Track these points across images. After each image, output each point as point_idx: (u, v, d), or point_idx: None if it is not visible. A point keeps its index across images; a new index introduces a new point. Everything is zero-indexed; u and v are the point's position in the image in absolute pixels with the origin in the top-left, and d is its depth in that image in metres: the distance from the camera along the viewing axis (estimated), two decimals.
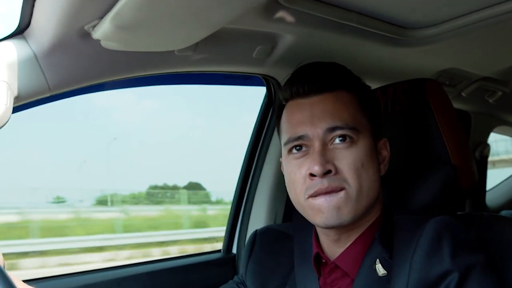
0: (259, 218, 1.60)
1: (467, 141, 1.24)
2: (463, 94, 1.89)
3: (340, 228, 0.99)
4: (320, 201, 0.95)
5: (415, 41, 1.38)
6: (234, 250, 1.66)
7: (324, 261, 1.04)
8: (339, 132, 0.96)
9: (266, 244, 1.20)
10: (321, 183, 0.94)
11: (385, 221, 1.02)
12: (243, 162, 1.64)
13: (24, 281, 0.96)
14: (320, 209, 0.95)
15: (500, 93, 1.97)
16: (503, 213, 2.69)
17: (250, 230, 1.60)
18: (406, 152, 1.21)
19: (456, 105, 1.97)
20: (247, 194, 1.64)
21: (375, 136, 1.03)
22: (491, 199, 2.77)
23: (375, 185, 0.99)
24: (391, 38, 1.34)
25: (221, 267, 1.61)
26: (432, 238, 0.90)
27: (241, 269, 1.23)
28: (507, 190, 2.92)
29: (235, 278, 1.25)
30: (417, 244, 0.90)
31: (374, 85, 1.34)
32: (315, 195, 0.95)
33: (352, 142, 0.97)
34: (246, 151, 1.63)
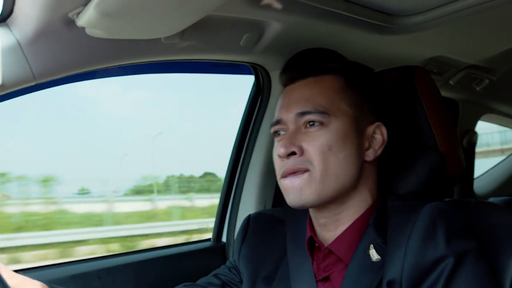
0: (248, 206, 1.60)
1: (454, 128, 1.25)
2: (450, 82, 1.90)
3: (321, 210, 1.03)
4: (286, 182, 1.00)
5: (403, 29, 1.38)
6: (224, 239, 1.66)
7: (317, 245, 1.05)
8: (308, 116, 1.01)
9: (259, 229, 1.21)
10: (287, 163, 0.99)
11: (379, 207, 1.03)
12: (232, 150, 1.64)
13: (14, 271, 0.96)
14: (286, 189, 1.01)
15: (487, 81, 1.98)
16: (491, 199, 2.71)
17: (240, 219, 1.61)
18: (393, 139, 1.21)
19: (444, 93, 1.98)
20: (236, 182, 1.64)
21: (362, 120, 1.04)
22: (479, 186, 2.79)
23: (349, 168, 1.00)
24: (378, 25, 1.34)
25: (211, 256, 1.61)
26: (427, 224, 0.91)
27: (234, 254, 1.23)
28: (495, 177, 2.95)
29: (227, 263, 1.25)
30: (412, 230, 0.92)
31: None
32: (283, 175, 1.01)
33: (322, 126, 1.00)
34: (235, 139, 1.63)
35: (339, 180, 0.99)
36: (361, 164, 1.02)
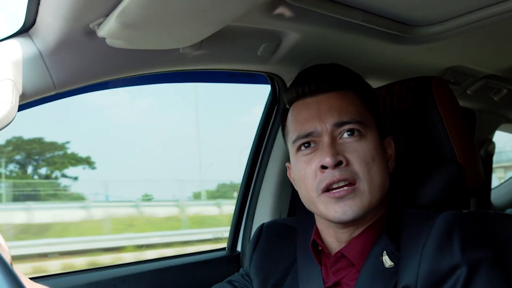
0: (263, 216, 1.60)
1: (473, 139, 1.23)
2: (468, 92, 1.89)
3: (353, 225, 1.00)
4: (332, 197, 0.96)
5: (420, 39, 1.37)
6: (239, 248, 1.66)
7: (320, 248, 1.05)
8: (347, 126, 0.98)
9: (271, 236, 1.22)
10: (332, 175, 0.95)
11: (393, 215, 1.03)
12: (248, 160, 1.64)
13: (30, 278, 0.96)
14: (332, 203, 0.96)
15: (505, 90, 1.96)
16: (509, 211, 2.68)
17: (255, 229, 1.60)
18: (411, 150, 1.21)
19: (461, 103, 1.95)
20: (251, 192, 1.64)
21: (381, 134, 1.04)
22: (496, 197, 2.76)
23: (385, 180, 1.00)
24: (396, 35, 1.34)
25: (226, 265, 1.61)
26: (443, 232, 0.91)
27: (246, 262, 1.24)
28: None
29: (241, 270, 1.27)
30: (427, 237, 0.92)
31: (379, 83, 1.34)
32: (327, 187, 0.96)
33: (361, 136, 0.98)
34: (251, 149, 1.63)
35: (381, 192, 0.98)
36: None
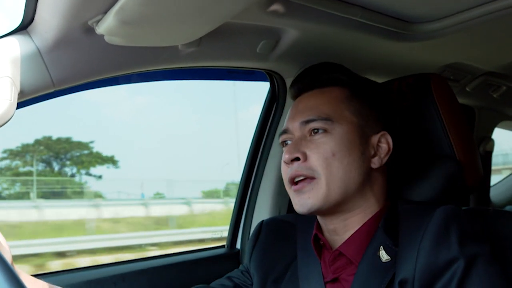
0: (263, 213, 1.60)
1: (472, 136, 1.23)
2: (467, 89, 1.89)
3: (328, 215, 1.05)
4: (293, 189, 1.03)
5: (419, 36, 1.37)
6: (238, 246, 1.66)
7: (322, 242, 1.08)
8: (312, 124, 1.04)
9: (271, 233, 1.23)
10: (291, 169, 1.03)
11: (389, 211, 1.04)
12: (247, 157, 1.64)
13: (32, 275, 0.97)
14: (293, 196, 1.04)
15: (504, 87, 1.96)
16: (508, 208, 2.69)
17: (254, 225, 1.60)
18: (410, 147, 1.21)
19: (461, 100, 1.96)
20: (251, 190, 1.64)
21: (367, 129, 1.06)
22: (495, 194, 2.76)
23: (353, 174, 1.02)
24: (395, 32, 1.34)
25: (226, 262, 1.61)
26: (440, 226, 0.92)
27: (246, 259, 1.25)
28: (511, 185, 2.92)
29: (241, 266, 1.27)
30: (425, 231, 0.93)
31: (378, 80, 1.34)
32: (290, 181, 1.04)
33: (326, 132, 1.03)
34: (250, 146, 1.64)
35: (343, 186, 1.01)
36: (367, 171, 1.04)
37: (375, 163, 1.05)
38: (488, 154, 2.31)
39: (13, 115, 0.94)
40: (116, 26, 0.92)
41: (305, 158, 1.02)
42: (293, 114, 1.09)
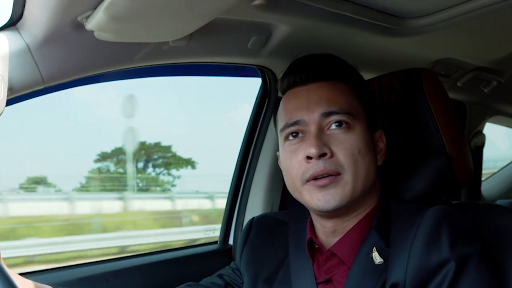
0: (255, 209, 1.60)
1: (462, 131, 1.24)
2: (458, 84, 1.89)
3: (337, 217, 1.01)
4: (316, 184, 0.96)
5: (410, 31, 1.37)
6: (231, 241, 1.66)
7: (317, 246, 1.06)
8: (335, 117, 0.98)
9: (262, 231, 1.21)
10: (316, 166, 0.96)
11: (382, 211, 1.03)
12: (239, 153, 1.64)
13: (20, 274, 0.96)
14: (316, 192, 0.97)
15: (495, 82, 1.97)
16: (499, 202, 2.70)
17: (246, 221, 1.61)
18: (401, 142, 1.21)
19: (451, 95, 1.96)
20: (243, 185, 1.64)
21: (371, 127, 1.04)
22: (486, 188, 2.78)
23: (371, 173, 1.00)
24: (386, 27, 1.34)
25: (218, 258, 1.61)
26: (431, 227, 0.91)
27: (236, 256, 1.24)
28: (503, 179, 2.94)
29: (232, 264, 1.27)
30: (416, 233, 0.92)
31: (369, 75, 1.34)
32: (311, 178, 0.96)
33: (349, 127, 0.98)
34: (242, 142, 1.63)
35: (365, 184, 0.99)
36: (376, 169, 1.03)
37: (379, 160, 1.05)
38: (479, 149, 2.32)
39: (2, 112, 0.93)
40: (106, 22, 0.92)
41: (332, 154, 0.96)
42: (305, 104, 1.00)
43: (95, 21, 0.93)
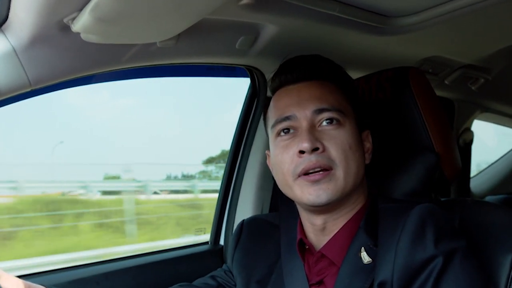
0: (246, 208, 1.60)
1: (450, 128, 1.25)
2: (446, 82, 1.91)
3: (327, 212, 1.02)
4: (307, 179, 0.98)
5: (397, 29, 1.38)
6: (222, 242, 1.66)
7: (307, 247, 1.06)
8: (326, 114, 1.00)
9: (253, 233, 1.22)
10: (309, 160, 0.97)
11: (370, 210, 1.04)
12: (229, 153, 1.64)
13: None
14: (307, 187, 0.98)
15: (482, 80, 1.98)
16: (488, 198, 2.72)
17: (237, 221, 1.60)
18: (389, 140, 1.22)
19: (440, 93, 1.98)
20: (233, 185, 1.64)
21: (359, 126, 1.06)
22: (475, 185, 2.80)
23: (361, 170, 1.02)
24: (373, 26, 1.34)
25: (209, 259, 1.61)
26: (416, 225, 0.92)
27: (228, 259, 1.24)
28: (492, 176, 2.96)
29: (224, 266, 1.27)
30: (401, 231, 0.93)
31: (358, 74, 1.35)
32: (303, 172, 0.98)
33: (339, 124, 1.00)
34: (232, 142, 1.63)
35: (355, 180, 1.00)
36: (364, 166, 1.04)
37: (367, 158, 1.07)
38: (467, 146, 2.34)
39: None
40: (92, 23, 0.91)
41: (324, 148, 0.98)
42: (297, 101, 1.02)
43: (81, 23, 0.92)
